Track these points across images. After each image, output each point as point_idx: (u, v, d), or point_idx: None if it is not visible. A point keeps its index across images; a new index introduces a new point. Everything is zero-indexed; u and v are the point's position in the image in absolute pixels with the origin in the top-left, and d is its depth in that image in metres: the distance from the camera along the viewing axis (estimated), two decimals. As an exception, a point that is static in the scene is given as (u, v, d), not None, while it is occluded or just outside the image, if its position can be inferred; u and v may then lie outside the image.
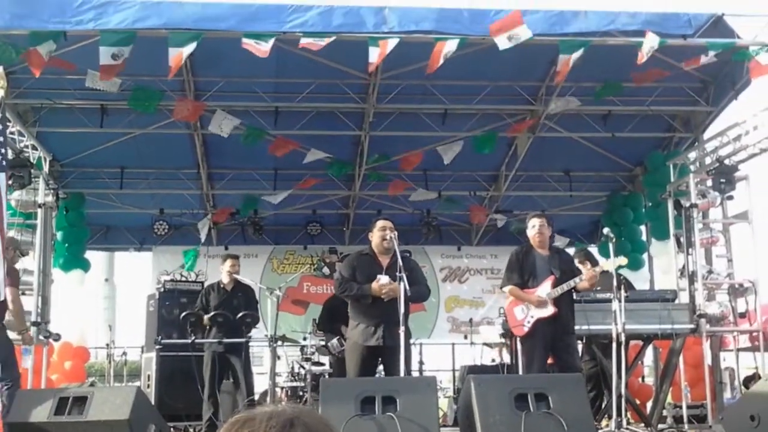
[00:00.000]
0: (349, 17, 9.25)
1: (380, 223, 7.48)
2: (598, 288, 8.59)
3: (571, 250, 14.94)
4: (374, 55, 8.79)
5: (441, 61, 9.06)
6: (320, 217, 15.15)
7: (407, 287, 6.92)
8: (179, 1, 9.27)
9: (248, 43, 8.65)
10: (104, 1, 8.94)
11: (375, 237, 7.43)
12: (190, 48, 8.68)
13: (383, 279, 7.14)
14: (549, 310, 7.74)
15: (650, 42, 9.08)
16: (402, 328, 6.84)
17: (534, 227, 8.15)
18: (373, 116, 12.14)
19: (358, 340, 7.24)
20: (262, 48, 8.67)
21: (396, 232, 7.39)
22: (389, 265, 7.30)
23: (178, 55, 8.64)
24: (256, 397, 9.95)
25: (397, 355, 6.88)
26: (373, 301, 7.16)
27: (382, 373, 7.68)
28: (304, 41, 8.85)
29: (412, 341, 8.30)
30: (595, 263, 9.50)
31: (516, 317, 7.94)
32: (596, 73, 11.17)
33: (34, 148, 11.06)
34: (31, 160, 10.32)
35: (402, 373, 6.84)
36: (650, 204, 13.74)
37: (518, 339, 8.12)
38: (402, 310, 6.88)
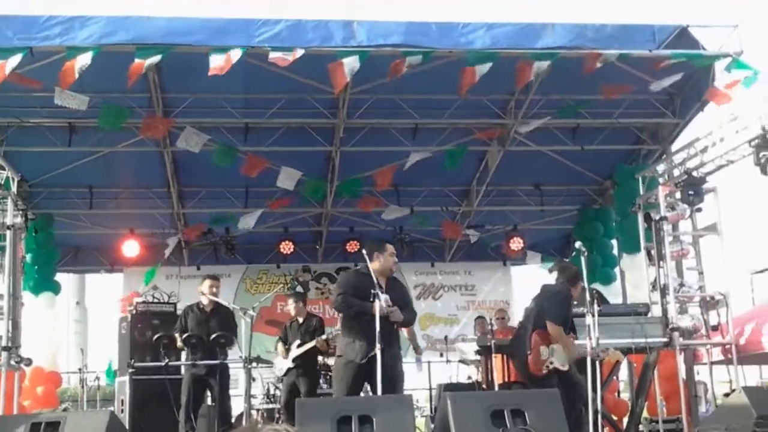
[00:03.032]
0: (317, 31, 9.26)
1: (391, 248, 7.56)
2: (575, 302, 8.61)
3: (538, 265, 15.08)
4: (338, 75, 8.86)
5: (403, 70, 9.09)
6: (292, 235, 15.05)
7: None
8: (146, 15, 9.22)
9: (214, 63, 8.65)
10: (70, 17, 8.88)
11: (386, 260, 7.46)
12: (153, 59, 8.62)
13: (383, 297, 7.12)
14: (566, 366, 7.80)
15: (608, 56, 9.23)
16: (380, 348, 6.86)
17: None
18: (343, 131, 12.11)
19: (354, 357, 7.17)
20: (232, 58, 8.66)
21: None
22: (388, 285, 7.39)
23: (139, 64, 8.58)
24: (233, 420, 9.86)
25: (393, 374, 6.98)
26: (370, 320, 7.06)
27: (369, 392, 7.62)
28: (273, 56, 8.84)
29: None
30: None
31: (541, 355, 7.89)
32: (564, 86, 11.24)
33: (1, 168, 10.90)
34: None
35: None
36: (619, 218, 13.80)
37: (530, 376, 8.03)
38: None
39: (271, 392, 10.41)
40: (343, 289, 7.44)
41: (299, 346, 10.10)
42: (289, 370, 10.09)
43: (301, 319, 10.41)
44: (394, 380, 7.05)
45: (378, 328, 6.93)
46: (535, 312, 8.15)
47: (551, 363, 7.83)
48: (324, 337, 10.12)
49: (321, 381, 10.71)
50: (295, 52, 8.83)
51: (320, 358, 10.60)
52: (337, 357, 7.47)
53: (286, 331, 10.44)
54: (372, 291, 7.13)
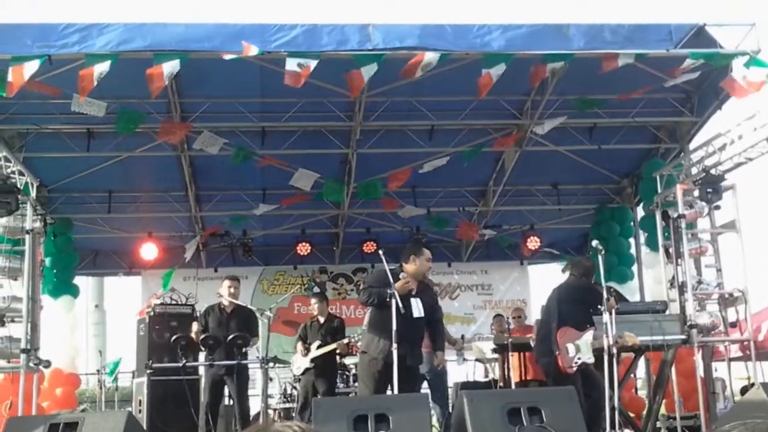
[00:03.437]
0: (333, 35, 9.28)
1: (428, 253, 7.65)
2: None
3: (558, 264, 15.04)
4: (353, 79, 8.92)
5: (419, 73, 9.12)
6: (309, 237, 15.08)
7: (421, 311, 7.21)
8: (163, 22, 9.29)
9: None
10: (88, 24, 8.95)
11: (422, 264, 7.55)
12: (171, 65, 8.68)
13: (415, 301, 7.25)
14: (593, 358, 7.83)
15: (624, 58, 9.20)
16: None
17: None
18: (359, 134, 12.14)
19: (378, 355, 7.21)
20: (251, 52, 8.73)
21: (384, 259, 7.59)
22: (419, 289, 7.46)
23: (158, 69, 8.63)
24: (251, 419, 9.91)
25: (413, 376, 7.10)
26: (400, 318, 7.04)
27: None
28: (288, 77, 8.87)
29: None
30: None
31: (569, 353, 7.92)
32: (581, 86, 11.23)
33: (21, 173, 11.01)
34: (18, 186, 10.25)
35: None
36: (644, 214, 13.76)
37: (557, 375, 8.05)
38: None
39: (288, 392, 10.45)
40: (370, 283, 7.56)
41: (320, 347, 10.14)
42: (307, 369, 10.13)
43: (322, 320, 10.46)
44: (414, 381, 7.14)
45: (404, 327, 6.99)
46: (557, 311, 8.17)
47: (579, 359, 7.85)
48: (346, 341, 10.18)
49: (338, 381, 10.74)
50: (309, 66, 8.87)
51: (338, 358, 10.65)
52: (362, 353, 7.49)
53: (306, 330, 10.48)
54: (389, 291, 7.13)
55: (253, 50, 8.78)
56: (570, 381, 7.81)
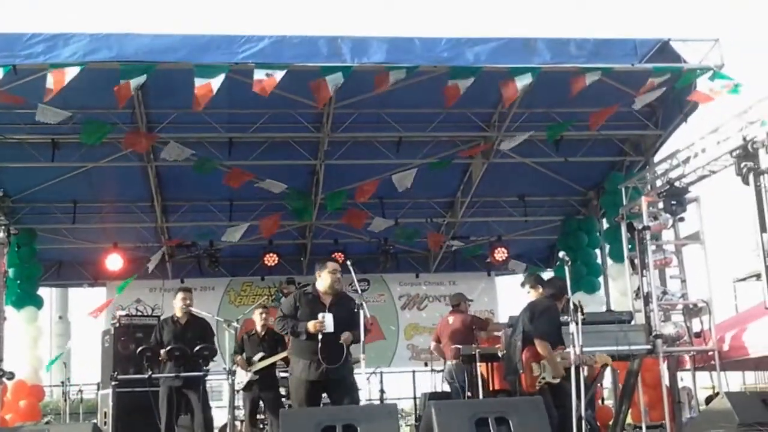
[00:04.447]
0: (301, 47, 9.30)
1: (331, 265, 7.62)
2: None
3: (523, 274, 15.11)
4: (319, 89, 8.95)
5: (389, 85, 9.17)
6: (277, 248, 15.02)
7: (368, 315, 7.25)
8: (130, 32, 9.24)
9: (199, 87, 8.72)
10: (54, 34, 8.90)
11: (325, 279, 7.56)
12: (139, 80, 8.65)
13: (327, 317, 7.23)
14: (557, 380, 7.85)
15: (591, 76, 9.33)
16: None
17: None
18: (327, 145, 12.14)
19: (301, 375, 7.32)
20: (212, 85, 8.74)
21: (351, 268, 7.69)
22: (332, 303, 7.45)
23: (126, 85, 8.61)
24: (217, 431, 9.83)
25: (344, 387, 7.15)
26: (309, 338, 7.25)
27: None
28: (256, 81, 8.88)
29: (372, 370, 8.37)
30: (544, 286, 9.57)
31: (533, 372, 7.93)
32: (547, 99, 11.33)
33: (-17, 184, 10.92)
34: (-17, 197, 10.16)
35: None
36: (608, 226, 13.90)
37: (521, 394, 8.03)
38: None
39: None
40: (281, 312, 7.63)
41: (262, 359, 10.06)
42: (249, 382, 10.05)
43: (262, 332, 10.35)
44: (346, 391, 7.21)
45: (320, 345, 7.11)
46: (522, 329, 8.17)
47: (543, 378, 7.87)
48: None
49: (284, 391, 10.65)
50: (275, 76, 8.88)
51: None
52: (290, 375, 7.64)
53: (243, 343, 10.33)
54: (297, 326, 7.34)
55: (216, 83, 8.80)
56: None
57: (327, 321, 7.22)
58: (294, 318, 7.43)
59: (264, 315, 10.39)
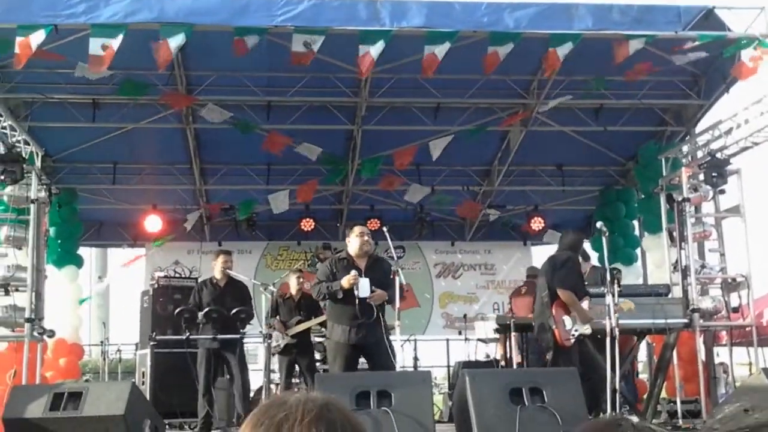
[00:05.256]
0: (340, 11, 9.23)
1: (358, 229, 7.74)
2: (585, 283, 8.68)
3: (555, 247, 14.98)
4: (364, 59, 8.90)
5: (438, 63, 9.12)
6: (313, 213, 15.08)
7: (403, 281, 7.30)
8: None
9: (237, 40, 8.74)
10: (95, -6, 8.92)
11: (354, 242, 7.67)
12: (178, 40, 8.66)
13: (363, 281, 7.34)
14: (590, 329, 7.86)
15: (635, 44, 9.15)
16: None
17: None
18: (365, 110, 12.12)
19: (339, 339, 7.43)
20: (248, 44, 8.76)
21: (388, 236, 7.94)
22: (367, 267, 7.55)
23: (164, 44, 8.63)
24: (252, 393, 9.94)
25: (382, 348, 7.27)
26: (347, 302, 7.36)
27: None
28: (295, 57, 8.90)
29: (406, 337, 8.45)
30: (585, 257, 9.57)
31: (565, 326, 7.94)
32: (588, 66, 11.18)
33: (26, 143, 11.00)
34: (24, 155, 10.25)
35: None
36: (642, 197, 13.76)
37: (556, 350, 8.07)
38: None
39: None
40: (317, 279, 7.73)
41: (299, 322, 10.13)
42: (287, 346, 10.13)
43: (297, 296, 10.41)
44: (383, 355, 7.34)
45: (357, 309, 7.24)
46: (546, 285, 8.19)
47: (576, 330, 7.88)
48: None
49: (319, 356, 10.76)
50: (314, 47, 8.88)
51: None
52: (327, 340, 7.84)
53: (277, 306, 10.40)
54: (333, 286, 7.45)
55: (251, 41, 8.83)
56: (569, 354, 7.86)
57: (363, 285, 7.27)
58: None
59: (301, 279, 10.46)
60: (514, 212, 15.46)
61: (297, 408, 1.50)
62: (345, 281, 7.30)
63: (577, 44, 9.42)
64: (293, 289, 10.46)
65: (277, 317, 10.19)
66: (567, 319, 7.94)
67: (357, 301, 7.26)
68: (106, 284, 15.85)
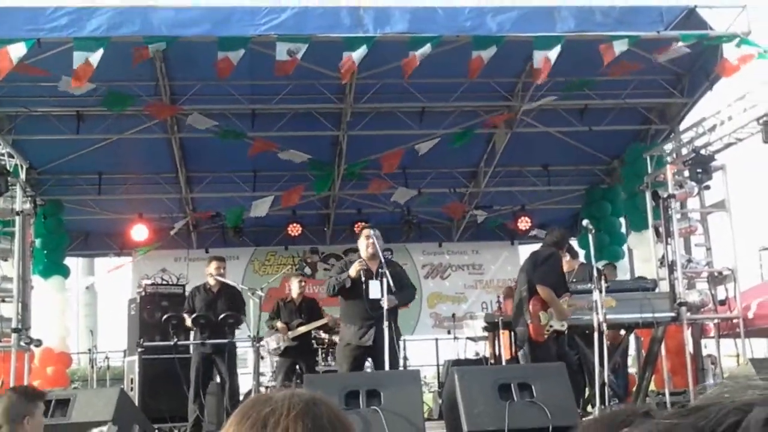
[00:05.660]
0: (324, 18, 9.28)
1: (365, 231, 7.99)
2: (573, 280, 8.73)
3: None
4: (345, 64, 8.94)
5: (417, 64, 9.15)
6: (300, 218, 15.09)
7: (391, 283, 7.28)
8: (152, 6, 9.26)
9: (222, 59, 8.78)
10: (78, 8, 8.92)
11: (361, 245, 7.88)
12: (159, 45, 8.71)
13: (373, 284, 7.44)
14: (565, 326, 7.93)
15: (619, 46, 9.21)
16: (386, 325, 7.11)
17: None
18: (350, 116, 12.14)
19: (351, 340, 7.53)
20: (231, 58, 8.80)
21: (376, 239, 7.81)
22: (378, 269, 7.60)
23: (144, 48, 8.67)
24: (241, 398, 9.94)
25: (390, 353, 7.22)
26: (357, 300, 7.47)
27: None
28: (279, 67, 8.93)
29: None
30: (574, 255, 9.63)
31: (541, 321, 8.00)
32: (571, 67, 11.22)
33: (10, 155, 10.99)
34: (8, 168, 10.24)
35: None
36: (627, 196, 13.84)
37: (530, 344, 8.13)
38: (386, 307, 7.18)
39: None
40: (331, 274, 8.09)
41: (300, 325, 10.19)
42: (287, 348, 10.18)
43: (297, 300, 10.48)
44: (389, 356, 7.29)
45: (367, 310, 7.34)
46: (526, 280, 8.26)
47: (551, 326, 7.94)
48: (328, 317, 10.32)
49: (320, 358, 10.84)
50: (297, 55, 8.91)
51: (325, 335, 10.75)
52: (339, 341, 7.96)
53: (279, 309, 10.47)
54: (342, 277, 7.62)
55: (235, 57, 8.86)
56: (544, 349, 7.93)
57: (373, 287, 7.37)
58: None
59: (303, 283, 10.58)
60: (501, 212, 15.52)
61: (283, 403, 1.52)
62: (352, 270, 7.50)
63: (562, 45, 9.48)
64: (295, 292, 10.54)
65: (279, 320, 10.30)
66: (543, 315, 8.01)
67: (366, 299, 7.35)
68: (92, 281, 15.80)
